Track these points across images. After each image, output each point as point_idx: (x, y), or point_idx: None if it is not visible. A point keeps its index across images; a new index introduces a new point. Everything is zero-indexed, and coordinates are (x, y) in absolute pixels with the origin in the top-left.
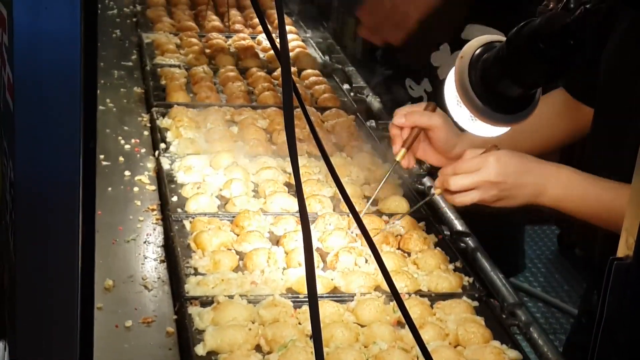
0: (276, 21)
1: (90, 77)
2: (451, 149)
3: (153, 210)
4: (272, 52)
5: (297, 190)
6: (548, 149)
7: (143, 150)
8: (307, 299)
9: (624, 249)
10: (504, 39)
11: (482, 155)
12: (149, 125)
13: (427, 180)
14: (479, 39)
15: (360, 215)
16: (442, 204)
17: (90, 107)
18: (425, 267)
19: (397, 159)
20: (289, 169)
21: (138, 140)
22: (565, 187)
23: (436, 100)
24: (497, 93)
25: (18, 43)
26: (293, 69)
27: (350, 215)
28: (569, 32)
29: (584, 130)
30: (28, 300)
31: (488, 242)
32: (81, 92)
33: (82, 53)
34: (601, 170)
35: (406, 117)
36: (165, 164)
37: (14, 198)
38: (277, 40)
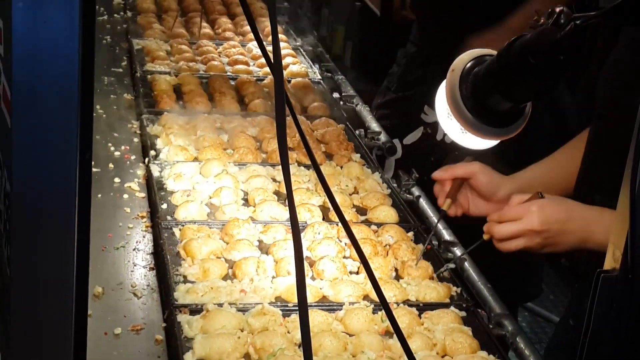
0: (266, 29)
1: (87, 89)
2: (495, 192)
3: (143, 217)
4: (262, 60)
5: (289, 199)
6: None
7: (133, 157)
8: (296, 308)
9: (610, 262)
10: (494, 53)
11: (526, 203)
12: (139, 132)
13: (415, 190)
14: (470, 52)
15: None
16: (431, 214)
17: (87, 119)
18: (413, 277)
19: (445, 207)
20: (279, 177)
21: (128, 147)
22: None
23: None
24: (487, 106)
25: (17, 55)
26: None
27: (340, 224)
28: (559, 48)
29: None
30: (23, 308)
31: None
32: (78, 104)
33: (80, 66)
34: (595, 188)
35: (445, 171)
36: (155, 171)
37: (10, 208)
38: (269, 48)
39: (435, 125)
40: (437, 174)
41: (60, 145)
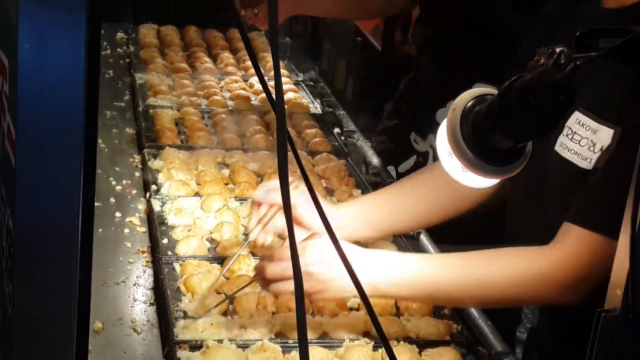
0: (268, 64)
1: (91, 129)
2: (318, 226)
3: (143, 252)
4: (264, 95)
5: (289, 234)
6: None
7: (134, 192)
8: (296, 344)
9: (611, 301)
10: (495, 92)
11: (300, 243)
12: (140, 166)
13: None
14: (471, 91)
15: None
16: (430, 249)
17: (90, 158)
18: (413, 314)
19: (251, 237)
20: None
21: (129, 182)
22: (391, 277)
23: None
24: (488, 145)
25: (22, 96)
26: None
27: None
28: (559, 88)
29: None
30: (24, 345)
31: None
32: (82, 144)
33: (85, 106)
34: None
35: (267, 193)
36: (156, 205)
37: (13, 246)
38: (270, 83)
39: (426, 155)
40: (258, 196)
41: (63, 185)
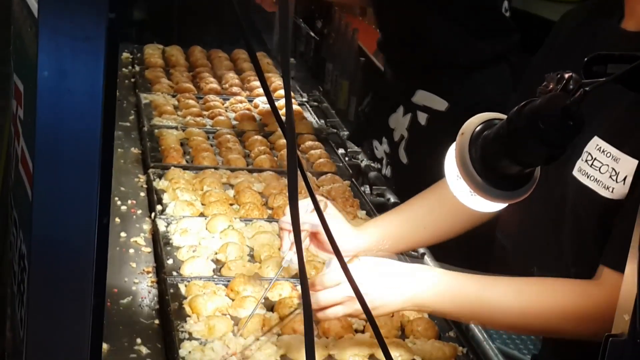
0: (273, 84)
1: (108, 154)
2: (343, 248)
3: (148, 272)
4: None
5: (298, 255)
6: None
7: (139, 212)
8: None
9: (618, 326)
10: (504, 117)
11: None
12: (145, 186)
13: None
14: (479, 116)
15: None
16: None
17: (106, 183)
18: (419, 337)
19: (284, 264)
20: None
21: (134, 202)
22: (435, 292)
23: (392, 162)
24: (496, 170)
25: (40, 122)
26: None
27: None
28: (568, 114)
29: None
30: None
31: None
32: (99, 169)
33: (102, 136)
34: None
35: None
36: (162, 226)
37: (28, 271)
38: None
39: (381, 161)
40: (285, 223)
41: (80, 210)
